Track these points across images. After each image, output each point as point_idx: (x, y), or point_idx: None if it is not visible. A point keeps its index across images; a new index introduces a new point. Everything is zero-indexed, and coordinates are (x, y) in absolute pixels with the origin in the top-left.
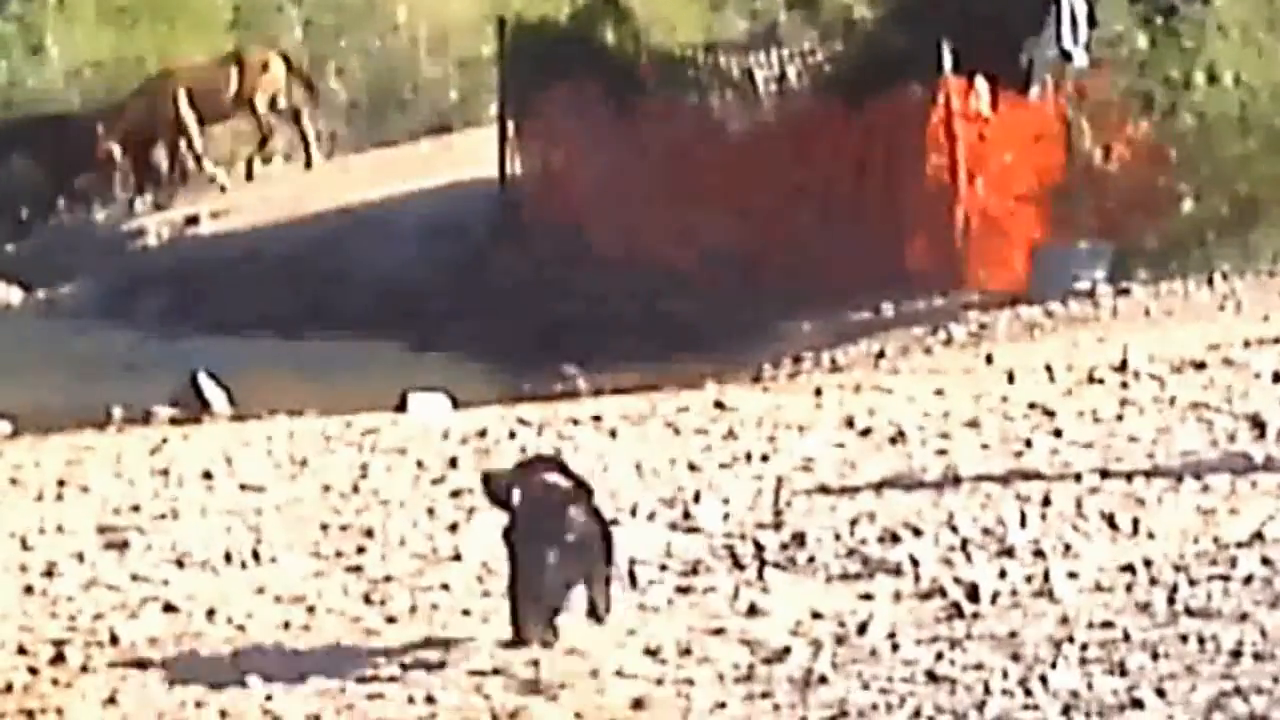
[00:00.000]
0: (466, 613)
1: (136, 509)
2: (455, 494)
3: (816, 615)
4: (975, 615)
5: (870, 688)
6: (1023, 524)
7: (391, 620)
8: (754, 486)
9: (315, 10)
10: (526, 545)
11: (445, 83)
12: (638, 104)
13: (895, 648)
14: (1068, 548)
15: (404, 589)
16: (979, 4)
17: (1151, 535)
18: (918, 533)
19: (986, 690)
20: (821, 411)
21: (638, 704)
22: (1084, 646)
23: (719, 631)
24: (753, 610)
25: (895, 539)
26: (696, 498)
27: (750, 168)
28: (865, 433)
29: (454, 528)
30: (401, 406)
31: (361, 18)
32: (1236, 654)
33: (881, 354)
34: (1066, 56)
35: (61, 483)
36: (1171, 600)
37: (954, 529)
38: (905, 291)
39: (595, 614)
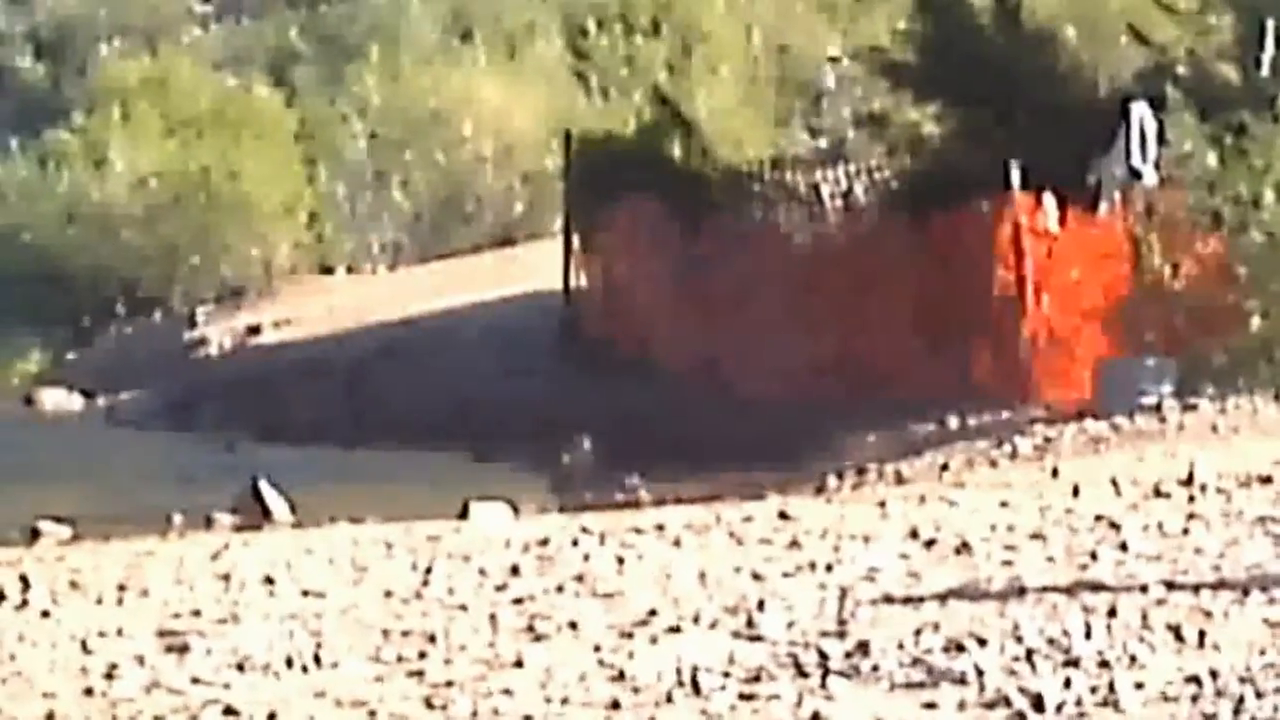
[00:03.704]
0: (528, 718)
1: (197, 613)
2: (518, 601)
3: None
4: None
5: None
6: (1088, 635)
7: None
8: (818, 595)
9: (380, 122)
10: None
11: (510, 195)
12: (703, 219)
13: None
14: (1133, 659)
15: (466, 694)
16: (1048, 122)
17: (1217, 647)
18: (983, 642)
19: None
20: (886, 522)
21: None
22: None
23: None
24: (816, 718)
25: (960, 648)
26: (760, 606)
27: (816, 283)
28: (930, 544)
29: (517, 634)
30: (464, 515)
31: (426, 130)
32: None
33: (946, 466)
34: (1136, 174)
35: (122, 587)
36: (1237, 712)
37: (1019, 639)
38: (971, 405)
39: None
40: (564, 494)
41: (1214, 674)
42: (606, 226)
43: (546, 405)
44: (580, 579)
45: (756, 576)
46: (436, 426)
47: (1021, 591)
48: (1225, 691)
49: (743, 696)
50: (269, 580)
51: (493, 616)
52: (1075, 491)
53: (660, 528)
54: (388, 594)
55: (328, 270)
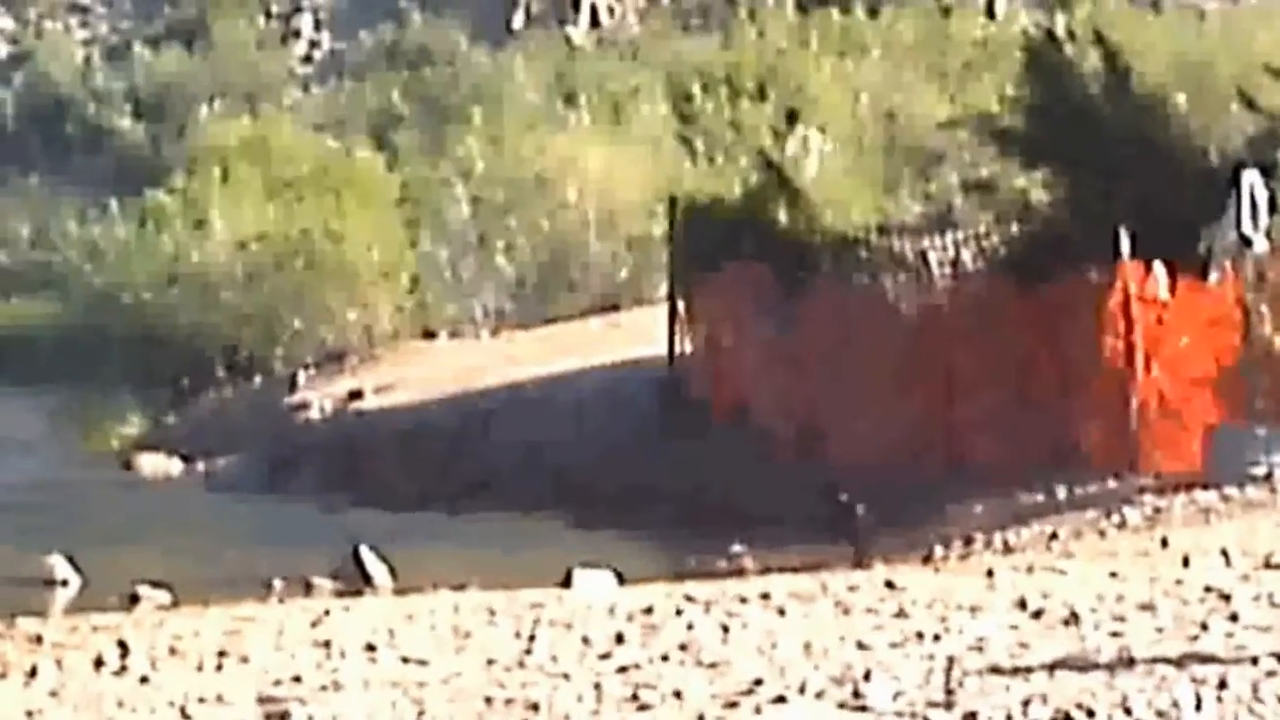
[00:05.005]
0: None
1: (298, 680)
2: (622, 669)
3: None
4: None
5: None
6: (1198, 707)
7: None
8: (925, 666)
9: (484, 187)
10: None
11: (614, 261)
12: (809, 285)
13: None
14: None
15: None
16: (1157, 189)
17: None
18: (1091, 714)
19: None
20: (993, 593)
21: None
22: None
23: None
24: None
25: None
26: (867, 676)
27: (923, 350)
28: (1038, 614)
29: (621, 703)
30: (567, 582)
31: (530, 195)
32: None
33: (1054, 536)
34: (1246, 242)
35: (222, 653)
36: None
37: (1128, 711)
38: (1079, 474)
39: None
40: (863, 550)
41: None
42: (711, 292)
43: (650, 471)
44: (684, 648)
45: (862, 646)
46: (539, 493)
47: (1131, 662)
48: None
49: None
50: (370, 647)
51: (597, 685)
52: (1185, 562)
53: (765, 596)
54: (490, 662)
55: (430, 335)
